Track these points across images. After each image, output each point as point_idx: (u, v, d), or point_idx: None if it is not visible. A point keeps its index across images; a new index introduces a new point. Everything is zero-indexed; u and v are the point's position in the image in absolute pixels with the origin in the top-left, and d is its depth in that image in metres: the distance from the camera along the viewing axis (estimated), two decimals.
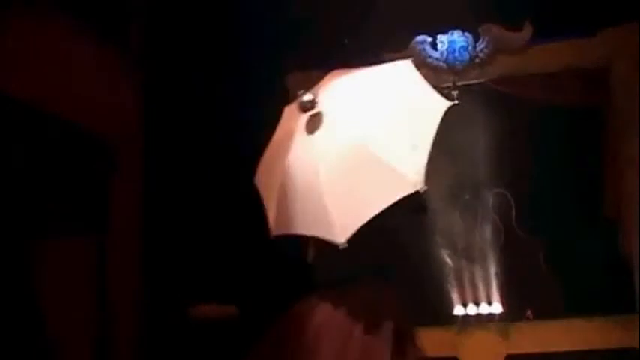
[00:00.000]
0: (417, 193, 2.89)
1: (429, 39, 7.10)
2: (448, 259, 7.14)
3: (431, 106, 3.04)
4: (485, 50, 7.08)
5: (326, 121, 3.10)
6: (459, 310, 7.04)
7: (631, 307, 6.58)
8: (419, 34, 7.06)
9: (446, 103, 3.00)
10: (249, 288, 6.71)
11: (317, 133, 3.10)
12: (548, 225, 6.94)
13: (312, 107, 3.08)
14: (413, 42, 7.06)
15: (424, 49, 7.06)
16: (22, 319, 5.37)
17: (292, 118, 3.27)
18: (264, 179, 3.25)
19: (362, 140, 3.01)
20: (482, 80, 7.17)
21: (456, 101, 6.92)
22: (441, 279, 7.05)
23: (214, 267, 6.80)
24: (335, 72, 3.30)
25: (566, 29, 6.83)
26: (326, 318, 3.02)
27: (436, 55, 7.07)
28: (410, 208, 3.28)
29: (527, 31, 7.02)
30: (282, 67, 7.02)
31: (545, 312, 6.82)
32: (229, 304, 6.73)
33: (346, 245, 2.86)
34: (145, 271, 6.86)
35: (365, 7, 6.55)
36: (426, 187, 2.93)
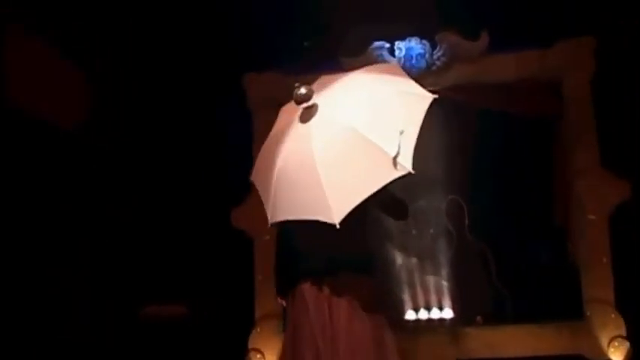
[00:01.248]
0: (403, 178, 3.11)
1: (387, 45, 7.13)
2: (401, 264, 7.18)
3: (417, 97, 3.28)
4: (442, 58, 7.14)
5: (320, 110, 3.32)
6: (410, 314, 7.09)
7: (578, 314, 6.69)
8: (377, 39, 7.10)
9: (431, 96, 3.26)
10: (198, 288, 6.69)
11: (311, 122, 3.32)
12: (499, 232, 7.02)
13: (308, 99, 3.31)
14: (371, 47, 7.08)
15: (381, 55, 7.09)
16: None
17: (287, 114, 3.48)
18: (261, 173, 3.45)
19: (353, 124, 3.21)
20: (438, 88, 7.21)
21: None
22: (394, 284, 7.10)
23: (164, 268, 6.76)
24: (325, 76, 3.52)
25: (521, 41, 6.92)
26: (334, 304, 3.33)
27: (393, 61, 7.10)
28: (390, 209, 3.45)
29: (483, 41, 7.09)
30: (239, 67, 7.04)
31: (495, 318, 6.89)
32: (179, 304, 6.71)
33: (338, 227, 3.05)
34: (95, 272, 6.80)
35: (324, 11, 6.57)
36: (413, 172, 3.04)
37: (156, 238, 6.88)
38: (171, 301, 6.69)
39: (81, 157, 6.62)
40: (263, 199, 3.37)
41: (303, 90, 3.31)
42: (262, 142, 3.55)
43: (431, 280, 7.16)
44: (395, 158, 3.07)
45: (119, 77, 7.01)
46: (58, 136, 6.34)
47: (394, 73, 3.50)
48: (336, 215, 3.08)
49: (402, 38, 7.12)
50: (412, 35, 7.10)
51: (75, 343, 5.99)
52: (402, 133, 3.11)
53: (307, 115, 3.33)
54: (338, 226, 3.06)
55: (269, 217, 3.31)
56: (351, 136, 3.18)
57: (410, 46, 7.11)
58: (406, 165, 3.07)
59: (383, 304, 3.57)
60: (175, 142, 7.04)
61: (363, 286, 3.42)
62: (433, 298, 7.11)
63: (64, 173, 6.36)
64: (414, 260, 7.21)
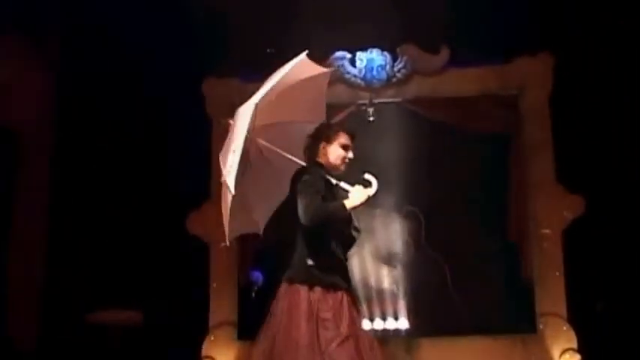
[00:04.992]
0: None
1: (348, 55, 7.16)
2: (357, 274, 7.17)
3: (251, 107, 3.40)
4: (403, 70, 7.19)
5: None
6: (366, 324, 7.08)
7: (532, 327, 6.76)
8: (338, 49, 7.13)
9: (255, 101, 3.37)
10: (153, 294, 6.61)
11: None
12: (455, 244, 7.06)
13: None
14: (332, 57, 7.11)
15: (342, 65, 7.12)
16: None
17: None
18: None
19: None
20: (398, 100, 7.27)
21: (371, 118, 7.04)
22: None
23: (119, 273, 6.67)
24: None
25: (481, 55, 7.00)
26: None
27: (354, 71, 7.14)
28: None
29: (444, 55, 7.16)
30: (199, 73, 7.00)
31: (450, 329, 6.92)
32: (133, 309, 6.64)
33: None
34: (49, 274, 6.71)
35: (286, 19, 6.57)
36: (233, 193, 3.26)
37: (111, 242, 6.80)
38: (126, 307, 6.62)
39: (33, 159, 6.56)
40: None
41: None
42: (220, 148, 3.58)
43: (387, 290, 7.17)
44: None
45: (78, 76, 6.97)
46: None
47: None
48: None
49: (364, 49, 7.16)
50: (374, 46, 7.14)
51: (24, 345, 5.91)
52: (234, 151, 3.27)
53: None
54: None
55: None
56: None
57: (371, 57, 7.15)
58: (230, 187, 3.28)
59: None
60: (131, 147, 6.96)
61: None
62: (389, 309, 7.12)
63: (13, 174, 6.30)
64: (370, 270, 7.21)
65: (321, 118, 3.73)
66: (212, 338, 6.74)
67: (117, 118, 6.99)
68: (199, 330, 6.73)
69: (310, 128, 3.62)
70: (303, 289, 3.43)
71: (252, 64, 6.71)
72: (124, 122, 6.97)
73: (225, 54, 6.83)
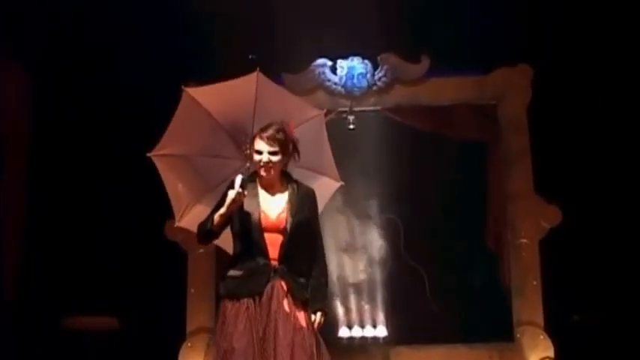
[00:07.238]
0: None
1: (329, 63, 7.18)
2: (335, 281, 7.17)
3: None
4: (384, 79, 7.22)
5: None
6: (344, 332, 7.09)
7: (509, 335, 6.80)
8: (319, 56, 7.14)
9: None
10: (130, 300, 6.58)
11: None
12: (433, 253, 7.09)
13: None
14: (313, 64, 7.13)
15: (323, 73, 7.14)
16: None
17: None
18: None
19: None
20: (378, 108, 7.30)
21: (352, 126, 7.07)
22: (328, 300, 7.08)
23: (96, 278, 6.63)
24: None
25: (461, 65, 7.04)
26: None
27: (335, 79, 7.16)
28: None
29: (424, 64, 7.20)
30: (179, 78, 6.95)
31: (428, 337, 6.93)
32: (110, 315, 6.60)
33: None
34: (24, 278, 6.65)
35: (267, 26, 6.58)
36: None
37: (88, 248, 6.75)
38: (103, 313, 6.58)
39: (9, 162, 6.51)
40: None
41: None
42: None
43: (365, 297, 7.18)
44: None
45: (55, 77, 6.92)
46: None
47: None
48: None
49: (345, 57, 7.18)
50: (355, 54, 7.16)
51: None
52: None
53: None
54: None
55: None
56: None
57: (352, 65, 7.17)
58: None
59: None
60: (110, 151, 6.91)
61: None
62: (367, 316, 7.13)
63: None
64: (348, 278, 7.21)
65: (305, 114, 3.77)
66: (189, 345, 6.71)
67: (95, 121, 6.95)
68: (176, 336, 6.69)
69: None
70: (222, 303, 3.52)
71: (234, 71, 6.70)
72: (103, 125, 6.93)
73: (207, 60, 6.80)
